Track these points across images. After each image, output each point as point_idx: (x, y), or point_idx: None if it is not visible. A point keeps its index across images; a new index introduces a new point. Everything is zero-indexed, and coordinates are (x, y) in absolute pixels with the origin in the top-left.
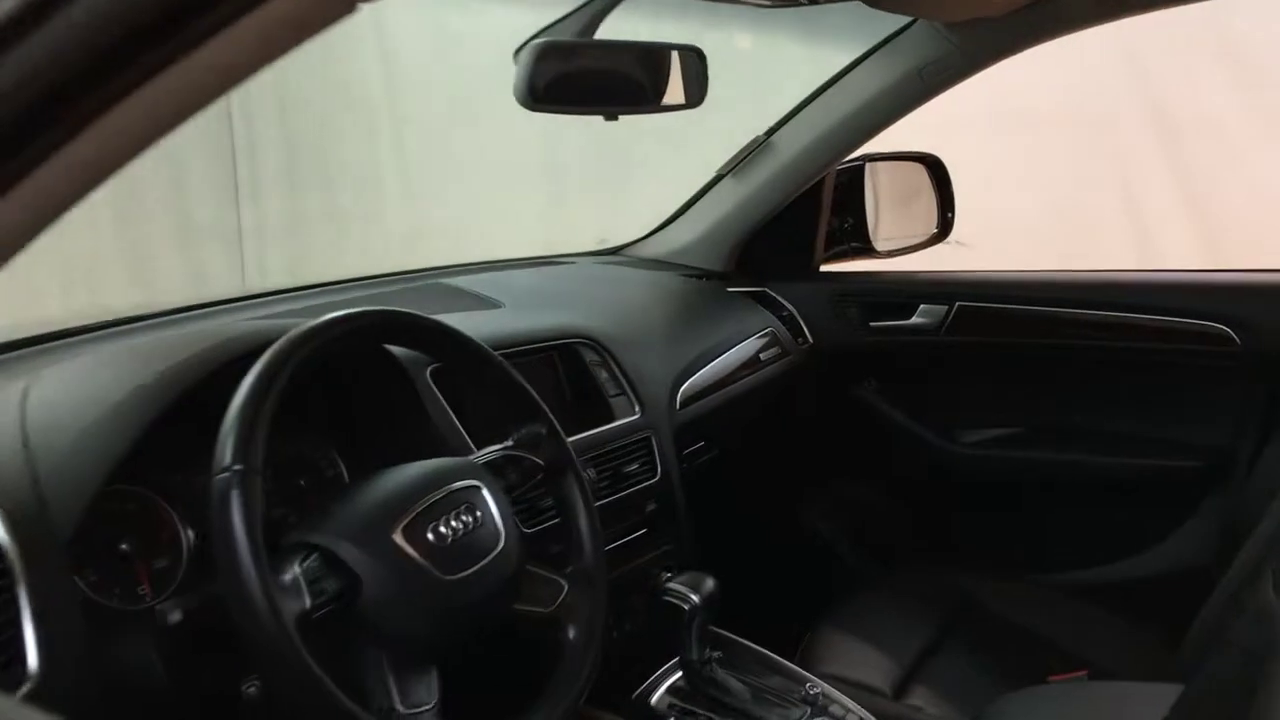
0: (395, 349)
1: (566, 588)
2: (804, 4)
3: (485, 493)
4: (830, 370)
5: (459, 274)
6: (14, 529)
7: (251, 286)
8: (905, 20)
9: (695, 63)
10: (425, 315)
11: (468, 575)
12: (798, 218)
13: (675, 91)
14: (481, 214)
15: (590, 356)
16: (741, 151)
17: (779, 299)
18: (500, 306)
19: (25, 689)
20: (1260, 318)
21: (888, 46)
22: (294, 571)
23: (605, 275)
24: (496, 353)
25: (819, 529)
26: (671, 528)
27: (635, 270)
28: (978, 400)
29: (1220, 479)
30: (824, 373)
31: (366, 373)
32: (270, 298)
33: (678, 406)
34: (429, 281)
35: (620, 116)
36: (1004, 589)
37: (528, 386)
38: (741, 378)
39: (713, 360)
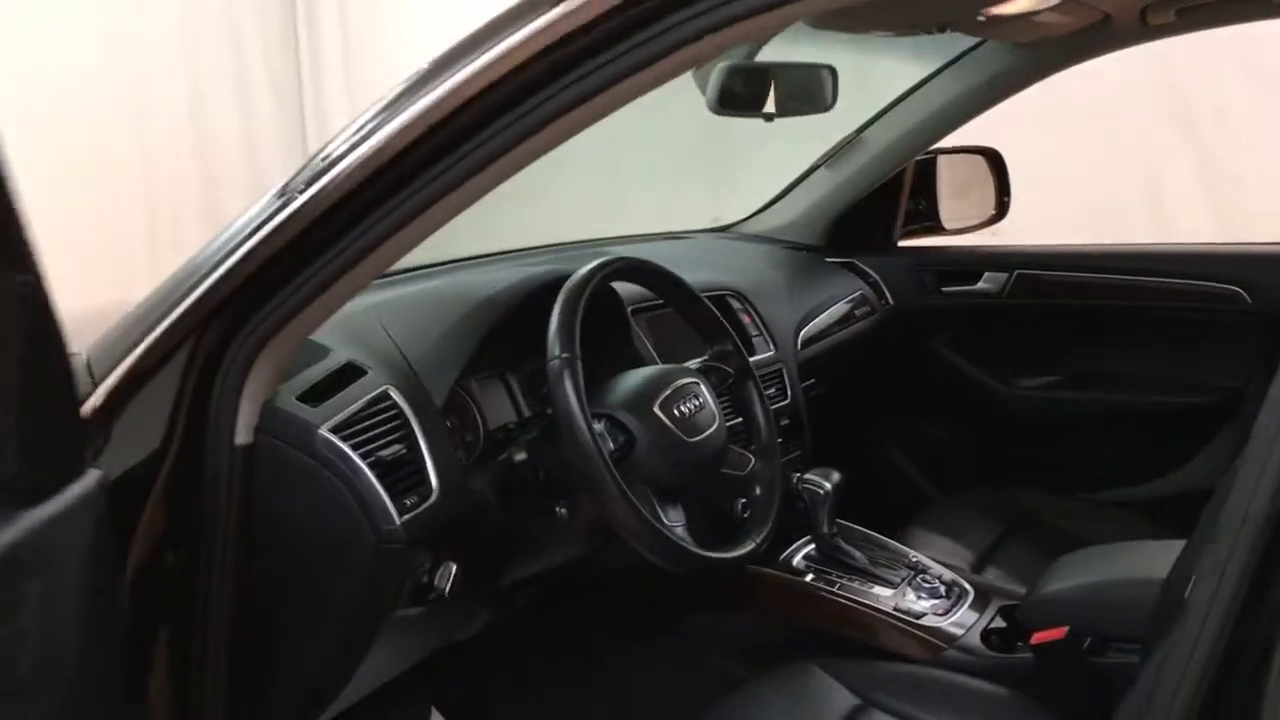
0: (619, 290)
1: (753, 460)
2: (932, 32)
3: (703, 387)
4: (908, 327)
5: (611, 245)
6: (406, 397)
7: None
8: (978, 39)
9: (830, 77)
10: (657, 264)
11: (700, 440)
12: (881, 201)
13: (814, 100)
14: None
15: (735, 305)
16: (837, 145)
17: (865, 268)
18: None
19: (433, 498)
20: (1266, 281)
21: (963, 60)
22: (599, 428)
23: (726, 247)
24: None
25: (898, 459)
26: (799, 439)
27: (747, 243)
28: (1031, 352)
29: (1231, 412)
30: (903, 330)
31: (596, 307)
32: (483, 259)
33: (798, 347)
34: (592, 250)
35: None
36: (1055, 503)
37: (720, 316)
38: (842, 329)
39: (820, 314)
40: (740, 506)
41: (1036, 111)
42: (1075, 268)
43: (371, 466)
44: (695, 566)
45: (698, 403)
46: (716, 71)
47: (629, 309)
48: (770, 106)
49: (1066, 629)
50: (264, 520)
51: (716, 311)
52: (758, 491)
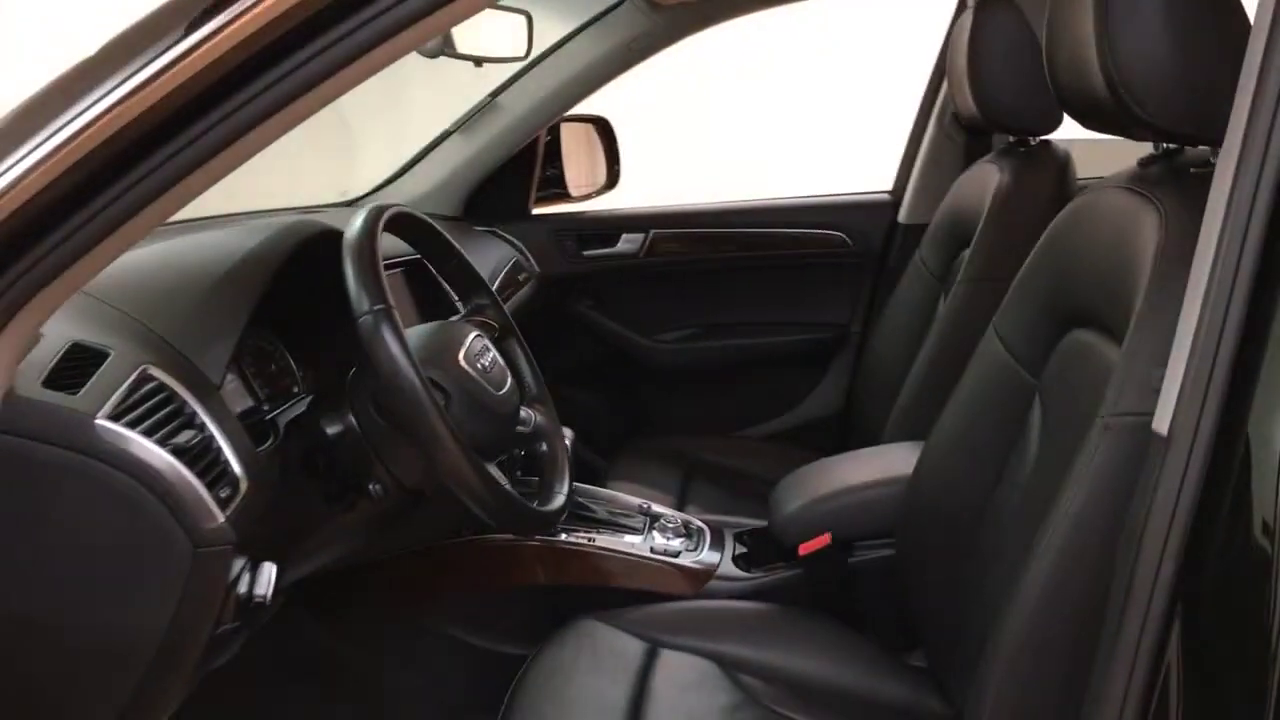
0: None
1: (534, 416)
2: None
3: (486, 341)
4: (554, 293)
5: (241, 220)
6: (173, 375)
7: None
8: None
9: (527, 23)
10: (421, 214)
11: (504, 393)
12: (517, 169)
13: (513, 45)
14: None
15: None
16: (470, 111)
17: (507, 236)
18: None
19: (244, 489)
20: (862, 225)
21: (601, 21)
22: None
23: None
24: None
25: None
26: None
27: None
28: (669, 306)
29: (843, 345)
30: (550, 296)
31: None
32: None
33: None
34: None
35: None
36: (714, 444)
37: (475, 269)
38: (511, 296)
39: (494, 281)
40: (522, 461)
41: None
42: (703, 224)
43: (176, 456)
44: (532, 523)
45: (491, 356)
46: None
47: None
48: (479, 50)
49: (830, 535)
50: (14, 548)
51: (471, 264)
52: (544, 447)
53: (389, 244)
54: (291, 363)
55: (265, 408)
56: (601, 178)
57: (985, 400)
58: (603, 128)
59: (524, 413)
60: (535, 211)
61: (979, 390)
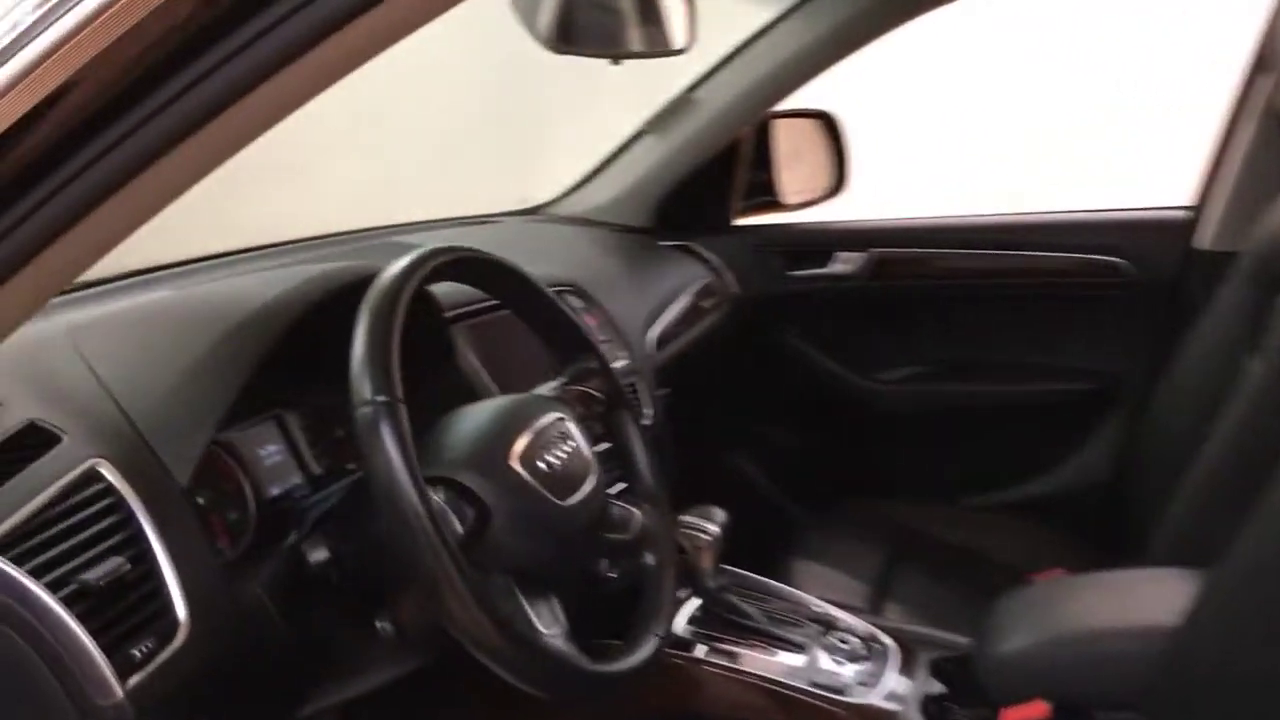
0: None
1: (640, 515)
2: None
3: (570, 424)
4: (755, 319)
5: (402, 233)
6: (128, 474)
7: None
8: None
9: (687, 10)
10: (496, 256)
11: (576, 502)
12: (715, 173)
13: (670, 38)
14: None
15: (577, 303)
16: (665, 109)
17: (702, 252)
18: None
19: (179, 641)
20: (1148, 249)
21: (808, 6)
22: (438, 501)
23: (544, 232)
24: None
25: (752, 475)
26: (664, 468)
27: (566, 227)
28: (893, 340)
29: (1114, 401)
30: (749, 321)
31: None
32: (238, 256)
33: (653, 351)
34: (383, 240)
35: (621, 61)
36: (937, 513)
37: (579, 322)
38: (693, 325)
39: (669, 308)
40: (617, 574)
41: None
42: (936, 244)
43: (70, 603)
44: (588, 690)
45: (568, 448)
46: None
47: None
48: (618, 44)
49: (1049, 706)
50: None
51: (575, 317)
52: (649, 560)
53: None
54: None
55: (296, 490)
56: (826, 181)
57: None
58: (827, 123)
59: (623, 515)
60: (737, 223)
61: None
